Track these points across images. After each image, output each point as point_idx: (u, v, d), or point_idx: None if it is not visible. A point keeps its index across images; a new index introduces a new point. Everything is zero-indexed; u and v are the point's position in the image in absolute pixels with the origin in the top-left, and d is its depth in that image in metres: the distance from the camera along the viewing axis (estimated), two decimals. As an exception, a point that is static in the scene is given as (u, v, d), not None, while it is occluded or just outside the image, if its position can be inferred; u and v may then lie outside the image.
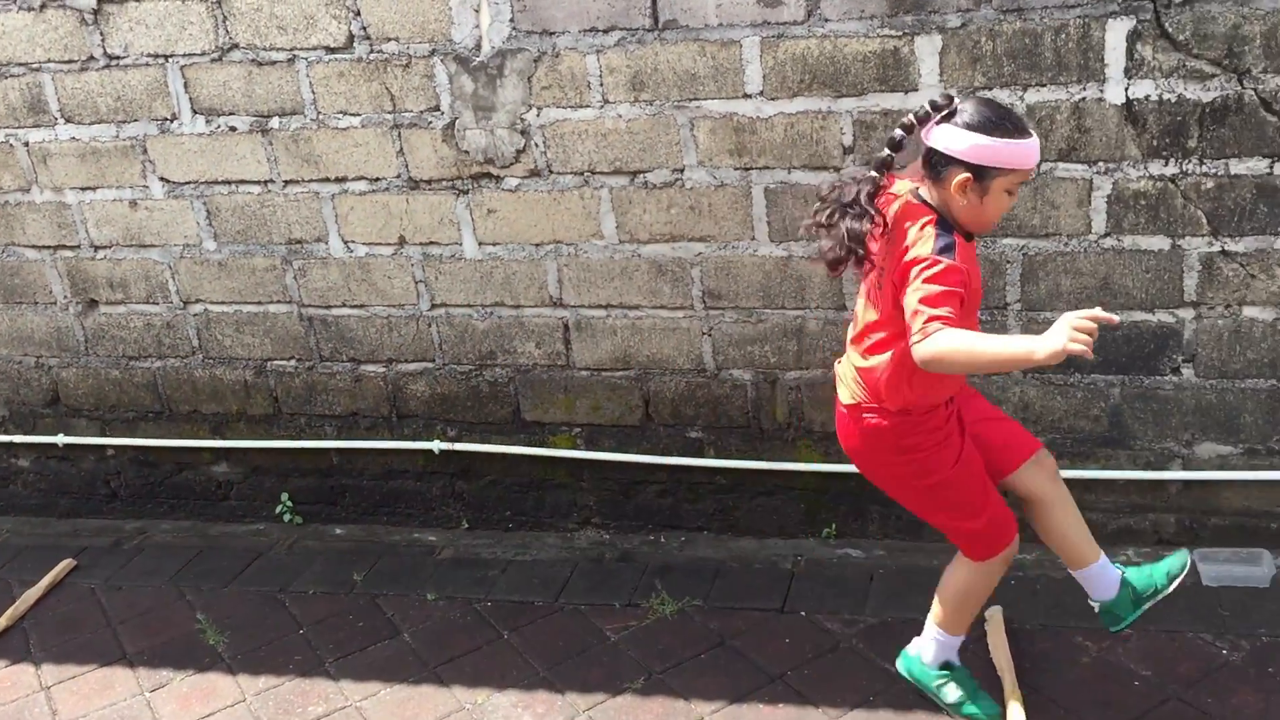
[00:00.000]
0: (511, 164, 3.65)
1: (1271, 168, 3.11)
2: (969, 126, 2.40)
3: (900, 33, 3.22)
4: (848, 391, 2.71)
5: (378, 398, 4.11)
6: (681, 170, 3.54)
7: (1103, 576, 2.87)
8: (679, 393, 3.82)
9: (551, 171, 3.63)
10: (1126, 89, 3.13)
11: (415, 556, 4.04)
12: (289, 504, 4.34)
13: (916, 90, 3.26)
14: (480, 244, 3.79)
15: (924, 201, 2.53)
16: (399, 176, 3.76)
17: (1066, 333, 2.16)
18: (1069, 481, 3.56)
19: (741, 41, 3.33)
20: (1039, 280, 3.38)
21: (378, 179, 3.78)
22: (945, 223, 2.47)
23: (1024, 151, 2.41)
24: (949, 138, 2.43)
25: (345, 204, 3.84)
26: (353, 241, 3.89)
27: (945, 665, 2.90)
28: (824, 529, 3.86)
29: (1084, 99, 3.16)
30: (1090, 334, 2.17)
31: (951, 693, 2.92)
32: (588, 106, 3.52)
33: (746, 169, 3.49)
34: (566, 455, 3.98)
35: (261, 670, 3.49)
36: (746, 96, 3.40)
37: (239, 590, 3.94)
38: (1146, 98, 3.12)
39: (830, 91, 3.33)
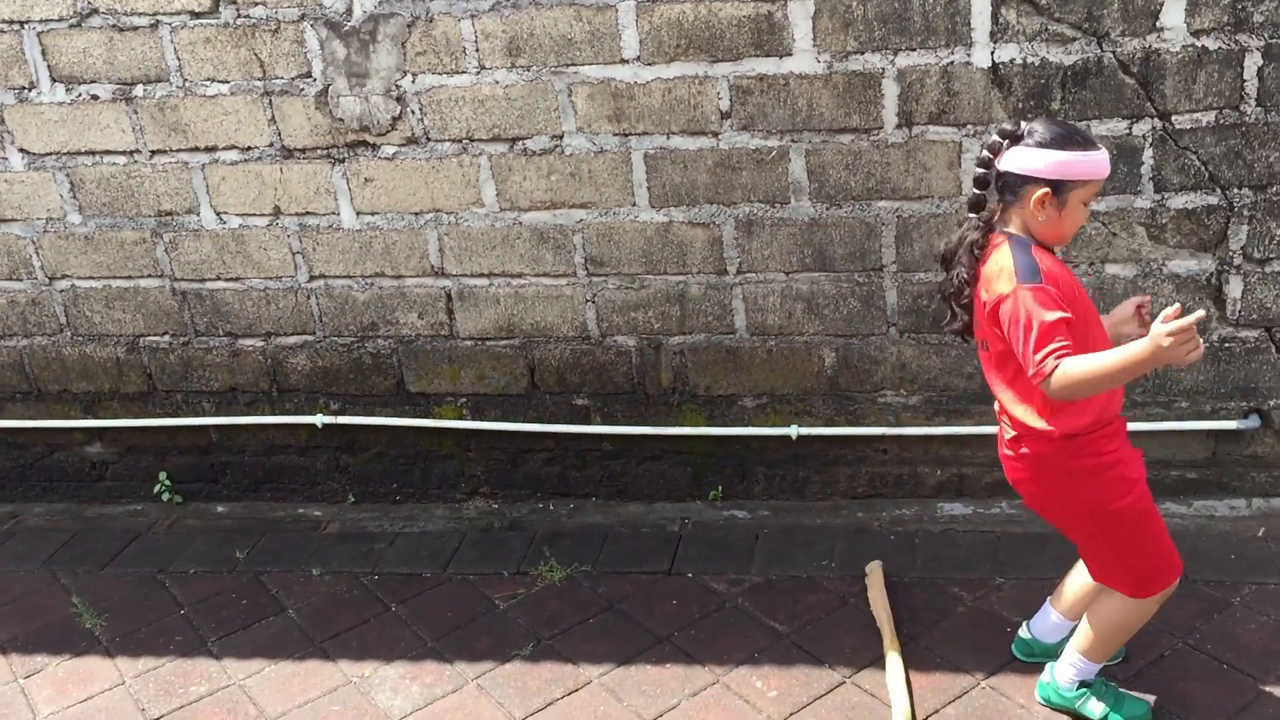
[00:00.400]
0: (388, 132, 3.59)
1: (1130, 128, 3.21)
2: (1043, 144, 2.43)
3: (773, -3, 3.24)
4: (1006, 428, 2.65)
5: (257, 372, 4.03)
6: (561, 137, 3.52)
7: (1061, 629, 2.93)
8: (564, 360, 3.82)
9: (429, 139, 3.58)
10: (992, 53, 3.20)
11: (300, 532, 3.98)
12: (167, 483, 4.24)
13: (791, 55, 3.29)
14: (358, 214, 3.73)
15: (1001, 231, 2.53)
16: (271, 145, 3.67)
17: (1161, 337, 2.20)
18: (945, 439, 3.68)
19: (617, 6, 3.32)
20: (913, 242, 3.45)
21: (249, 148, 3.69)
22: (1020, 240, 2.48)
23: (1097, 163, 2.44)
24: (1024, 158, 2.44)
25: (216, 174, 3.74)
26: (225, 213, 3.79)
27: (1082, 683, 2.81)
28: (710, 492, 3.91)
29: (952, 63, 3.23)
30: (1189, 335, 2.20)
31: (1096, 707, 2.76)
32: (464, 73, 3.48)
33: (625, 135, 3.48)
34: (452, 426, 3.95)
35: (141, 652, 3.41)
36: (624, 62, 3.39)
37: (117, 572, 3.84)
38: (1011, 61, 3.20)
39: (706, 56, 3.34)
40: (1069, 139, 2.44)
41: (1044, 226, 2.49)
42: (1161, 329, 2.20)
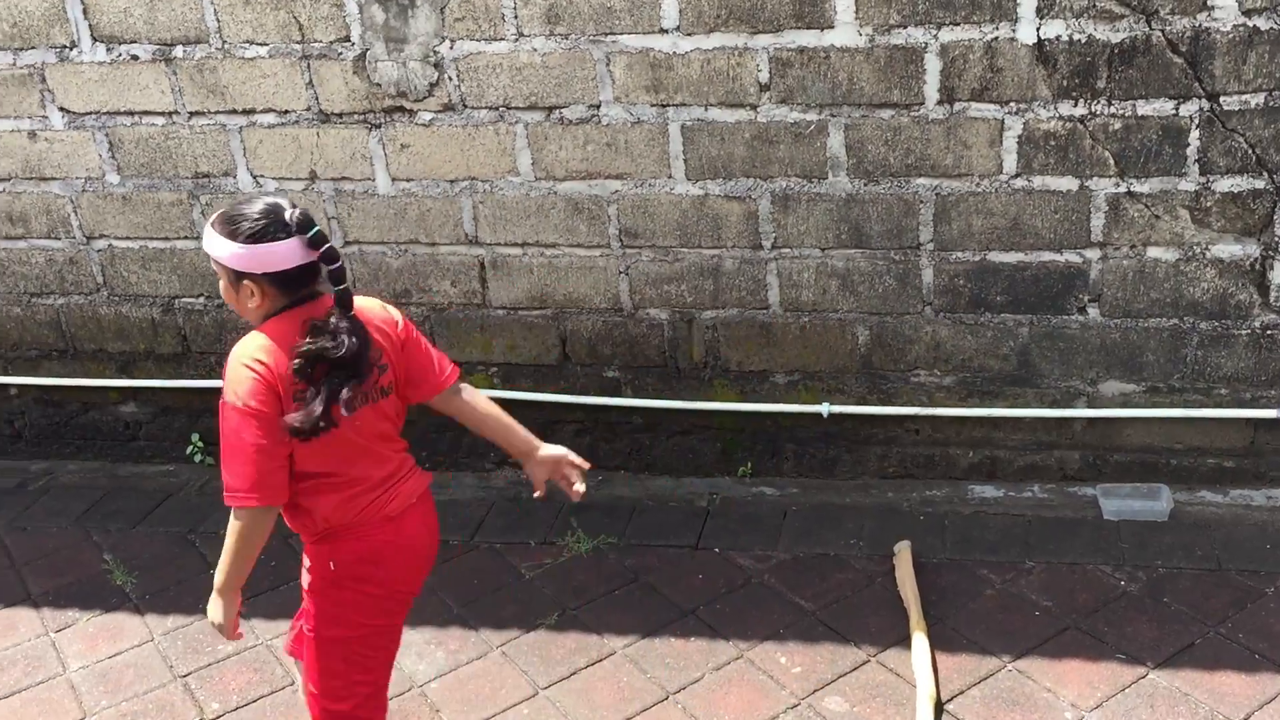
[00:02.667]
0: (425, 98, 3.58)
1: (1177, 109, 3.15)
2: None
3: (816, -32, 3.20)
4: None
5: (290, 336, 4.04)
6: (598, 106, 3.50)
7: None
8: (596, 332, 3.81)
9: (466, 106, 3.57)
10: (1038, 29, 3.15)
11: (330, 497, 4.00)
12: (200, 445, 4.27)
13: (832, 27, 3.25)
14: (393, 180, 3.72)
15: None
16: (309, 109, 3.67)
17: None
18: (978, 420, 3.65)
19: (658, -26, 3.29)
20: (951, 220, 3.41)
21: (287, 112, 3.69)
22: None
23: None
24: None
25: (254, 137, 3.75)
26: (262, 176, 3.80)
27: None
28: (739, 468, 3.89)
29: (997, 38, 3.18)
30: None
31: None
32: (502, 39, 3.46)
33: (663, 106, 3.46)
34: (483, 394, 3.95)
35: (171, 610, 3.44)
36: (663, 31, 3.36)
37: (148, 531, 3.88)
38: (1057, 38, 3.15)
39: (747, 27, 3.30)
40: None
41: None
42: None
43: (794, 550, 3.46)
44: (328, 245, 2.21)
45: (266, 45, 3.60)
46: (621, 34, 3.39)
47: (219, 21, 3.59)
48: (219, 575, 2.31)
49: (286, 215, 2.19)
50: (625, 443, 3.96)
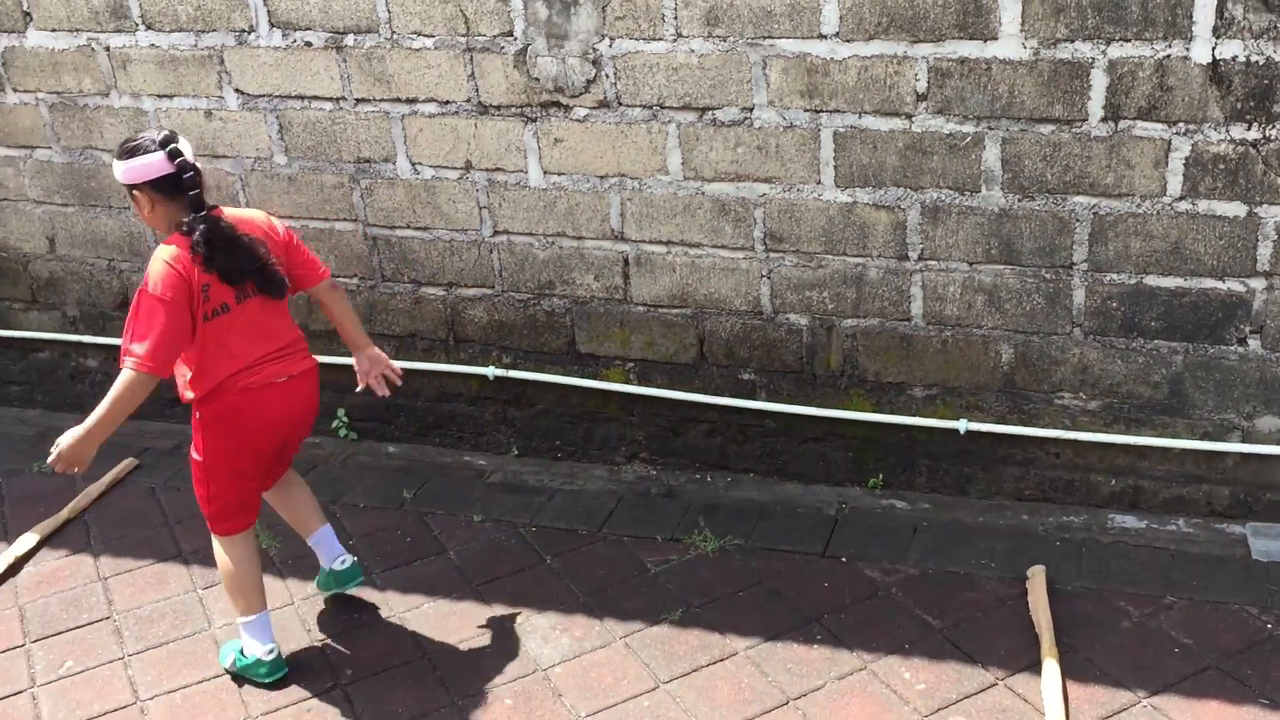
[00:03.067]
0: (581, 94, 3.65)
1: (1359, 137, 3.02)
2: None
3: (984, -22, 3.16)
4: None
5: (436, 320, 4.16)
6: (751, 109, 3.51)
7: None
8: (734, 334, 3.83)
9: (620, 103, 3.62)
10: (1213, 48, 3.04)
11: (464, 479, 4.11)
12: (345, 420, 4.42)
13: (996, 39, 3.20)
14: (545, 173, 3.80)
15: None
16: (469, 100, 3.77)
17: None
18: (1123, 448, 3.55)
19: (820, -20, 3.29)
20: (1108, 241, 3.32)
21: (448, 102, 3.80)
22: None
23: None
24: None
25: (414, 125, 3.87)
26: (420, 163, 3.92)
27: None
28: (870, 479, 3.86)
29: (1168, 56, 3.08)
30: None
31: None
32: (661, 39, 3.50)
33: (817, 111, 3.45)
34: (618, 389, 4.01)
35: (311, 576, 3.58)
36: (821, 37, 3.36)
37: (292, 499, 4.03)
38: (1234, 58, 3.04)
39: (907, 36, 3.28)
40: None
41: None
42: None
43: (923, 565, 3.42)
44: (180, 157, 2.88)
45: (433, 37, 3.71)
46: (780, 38, 3.39)
47: (389, 12, 3.72)
48: (93, 419, 2.86)
49: (154, 137, 2.90)
50: (756, 446, 3.97)
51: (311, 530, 3.37)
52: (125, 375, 2.84)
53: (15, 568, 3.74)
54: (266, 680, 3.12)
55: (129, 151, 2.90)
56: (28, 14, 4.15)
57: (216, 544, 3.14)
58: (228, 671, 3.20)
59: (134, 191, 2.93)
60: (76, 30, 4.11)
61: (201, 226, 2.86)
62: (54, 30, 4.14)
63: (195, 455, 3.10)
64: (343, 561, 3.39)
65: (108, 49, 4.10)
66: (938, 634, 3.13)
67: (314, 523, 3.37)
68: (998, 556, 3.44)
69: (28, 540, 3.84)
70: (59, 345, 4.72)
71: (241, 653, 3.16)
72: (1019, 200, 3.37)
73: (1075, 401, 3.55)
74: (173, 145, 2.88)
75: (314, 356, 3.20)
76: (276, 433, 3.09)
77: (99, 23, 4.06)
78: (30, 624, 3.48)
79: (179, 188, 2.89)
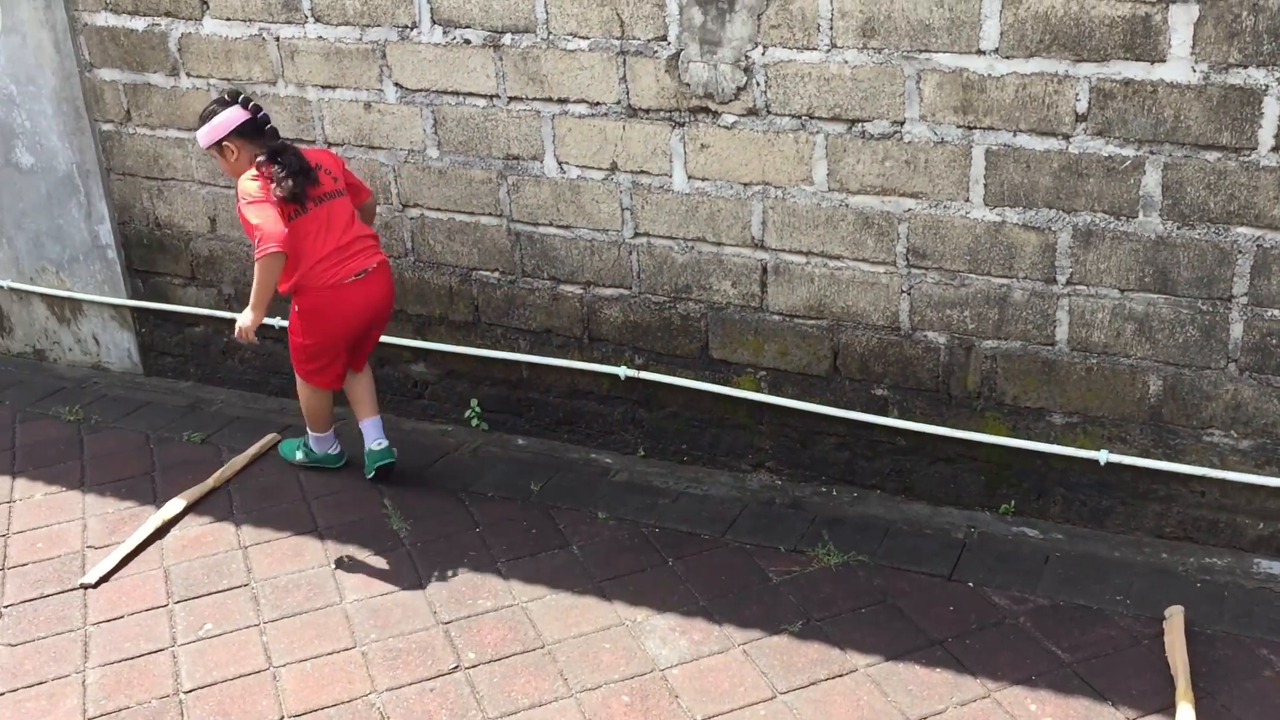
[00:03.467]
0: (730, 101, 3.66)
1: None
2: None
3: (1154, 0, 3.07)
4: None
5: (572, 318, 4.22)
6: (901, 123, 3.48)
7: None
8: (869, 348, 3.79)
9: (769, 112, 3.63)
10: (1401, 79, 2.91)
11: (590, 475, 4.15)
12: (478, 410, 4.52)
13: (1164, 61, 3.11)
14: (689, 178, 3.82)
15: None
16: (619, 103, 3.82)
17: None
18: (1274, 491, 3.41)
19: (983, -5, 3.24)
20: (1271, 274, 3.19)
21: (598, 103, 3.85)
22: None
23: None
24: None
25: (564, 125, 3.93)
26: (567, 163, 3.99)
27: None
28: (1002, 504, 3.78)
29: (1350, 85, 2.95)
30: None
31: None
32: (814, 49, 3.50)
33: (970, 128, 3.40)
34: (749, 397, 4.00)
35: (438, 560, 3.67)
36: (980, 53, 3.31)
37: (424, 484, 4.14)
38: None
39: (1070, 55, 3.21)
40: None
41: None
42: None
43: (1054, 597, 3.33)
44: (252, 103, 3.79)
45: (588, 39, 3.77)
46: (936, 52, 3.35)
47: (548, 14, 3.79)
48: (253, 299, 3.73)
49: (224, 96, 3.81)
50: (885, 463, 3.92)
51: (364, 417, 4.11)
52: (262, 262, 3.65)
53: (162, 530, 3.93)
54: (336, 465, 4.22)
55: (209, 115, 3.77)
56: (205, 3, 4.35)
57: (302, 384, 4.04)
58: (296, 464, 4.23)
59: (223, 144, 3.76)
60: (250, 20, 4.29)
61: (278, 154, 3.73)
62: (229, 19, 4.33)
63: (294, 337, 3.94)
64: (379, 443, 4.07)
65: (277, 39, 4.27)
66: (1066, 668, 3.05)
67: (367, 411, 4.10)
68: (1134, 593, 3.33)
69: (175, 505, 4.02)
70: (213, 321, 4.93)
71: (310, 449, 4.21)
72: (1178, 228, 3.26)
73: (1225, 440, 3.42)
74: (243, 95, 3.79)
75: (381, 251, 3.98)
76: (360, 320, 3.90)
77: (271, 14, 4.24)
78: (174, 585, 3.64)
79: (258, 129, 3.76)
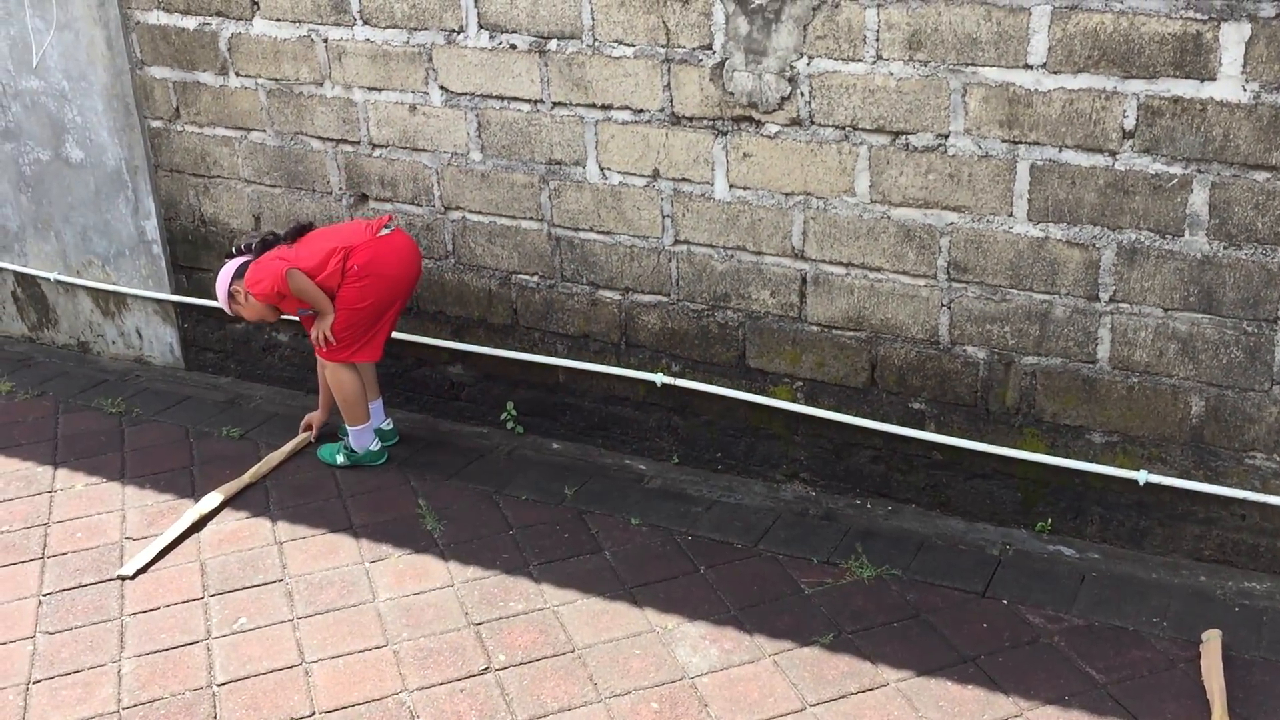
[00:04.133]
0: (774, 110, 3.66)
1: None
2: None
3: (1206, 17, 3.04)
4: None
5: (610, 324, 4.23)
6: (946, 136, 3.46)
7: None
8: (907, 361, 3.77)
9: (813, 123, 3.62)
10: None
11: (624, 481, 4.16)
12: (513, 413, 4.54)
13: (1214, 80, 3.08)
14: (731, 186, 3.82)
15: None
16: (662, 110, 3.83)
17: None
18: (1317, 515, 3.35)
19: (1031, 9, 3.22)
20: (1319, 297, 3.16)
21: (641, 110, 3.86)
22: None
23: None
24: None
25: (607, 131, 3.95)
26: (609, 169, 4.00)
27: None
28: (1038, 522, 3.75)
29: (1405, 107, 2.91)
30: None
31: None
32: (859, 61, 3.49)
33: (1015, 142, 3.38)
34: (785, 407, 4.00)
35: (471, 561, 3.69)
36: (1027, 67, 3.29)
37: (458, 485, 4.16)
38: None
39: (1119, 71, 3.18)
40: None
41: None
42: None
43: (1089, 617, 3.30)
44: (237, 244, 4.22)
45: (633, 46, 3.78)
46: (982, 66, 3.34)
47: (594, 20, 3.81)
48: (314, 305, 4.07)
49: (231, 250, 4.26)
50: (921, 477, 3.90)
51: (372, 398, 4.35)
52: (291, 284, 4.02)
53: (199, 524, 3.97)
54: (379, 462, 4.30)
55: (237, 274, 4.14)
56: (255, 3, 4.40)
57: (334, 368, 4.16)
58: (340, 466, 4.28)
59: (233, 290, 4.14)
60: (299, 21, 4.34)
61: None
62: (278, 20, 4.38)
63: (344, 310, 4.07)
64: (388, 423, 4.44)
65: (326, 40, 4.32)
66: (1100, 689, 3.02)
67: (372, 392, 4.35)
68: (1170, 616, 3.30)
69: (212, 500, 4.06)
70: (254, 318, 4.97)
71: (351, 450, 4.28)
72: (1224, 248, 3.23)
73: (1268, 463, 3.37)
74: (234, 249, 4.21)
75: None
76: (405, 271, 4.14)
77: (320, 15, 4.28)
78: (210, 579, 3.68)
79: (256, 255, 4.15)
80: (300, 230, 4.17)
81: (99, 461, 4.42)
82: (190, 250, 5.01)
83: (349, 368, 4.18)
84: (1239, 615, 3.29)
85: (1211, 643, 3.12)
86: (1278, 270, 3.19)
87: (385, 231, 4.10)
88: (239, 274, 4.09)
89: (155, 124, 4.85)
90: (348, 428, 4.27)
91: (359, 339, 4.14)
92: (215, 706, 3.13)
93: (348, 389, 4.19)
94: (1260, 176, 3.13)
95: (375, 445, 4.31)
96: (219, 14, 4.49)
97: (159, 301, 5.15)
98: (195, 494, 4.15)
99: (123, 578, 3.70)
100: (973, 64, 3.35)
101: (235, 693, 3.18)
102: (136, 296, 5.18)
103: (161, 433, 4.63)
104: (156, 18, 4.64)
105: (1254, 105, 3.07)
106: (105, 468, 4.37)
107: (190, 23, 4.57)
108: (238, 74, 4.57)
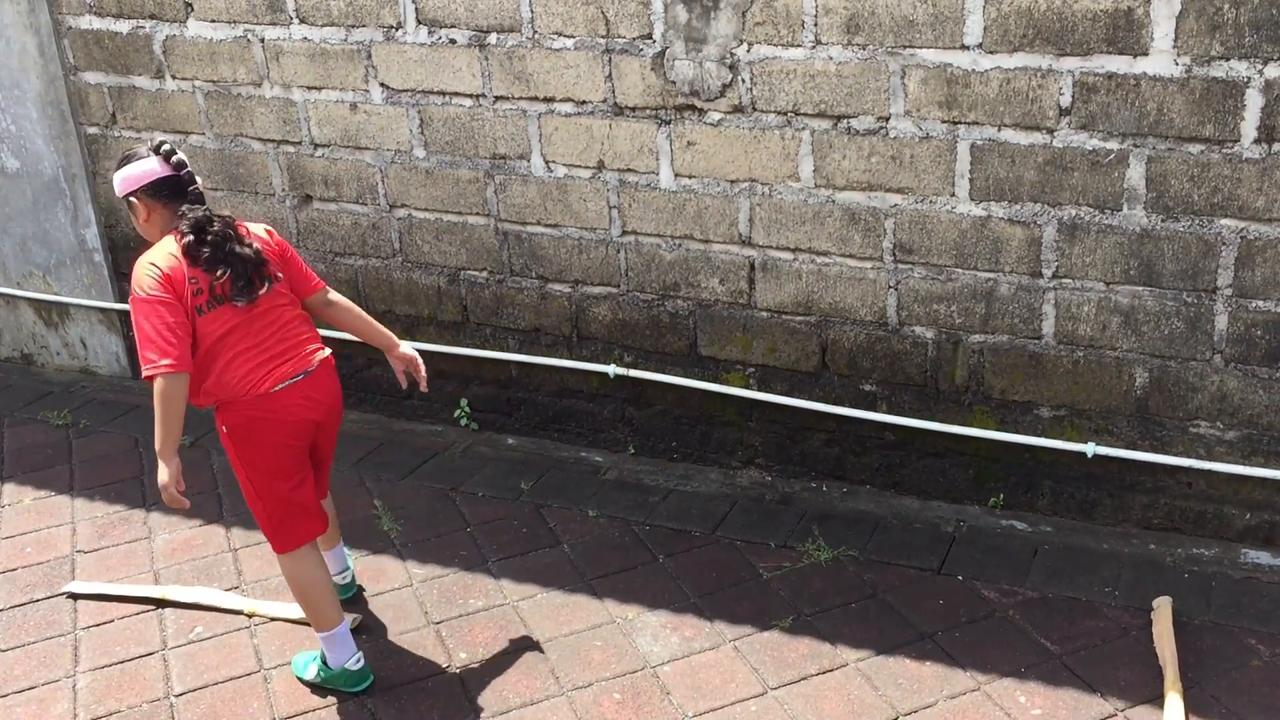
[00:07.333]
0: (716, 98, 3.67)
1: None
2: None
3: (1137, -8, 3.08)
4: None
5: (561, 317, 4.22)
6: (886, 119, 3.49)
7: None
8: (857, 344, 3.80)
9: (755, 109, 3.63)
10: (1381, 70, 2.92)
11: (581, 474, 4.16)
12: (467, 410, 4.52)
13: (1146, 54, 3.13)
14: (676, 175, 3.83)
15: None
16: (605, 101, 3.82)
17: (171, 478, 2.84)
18: (1261, 481, 3.43)
19: (966, -10, 3.25)
20: (1255, 266, 3.21)
21: (584, 102, 3.85)
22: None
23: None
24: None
25: (550, 124, 3.93)
26: (554, 162, 3.99)
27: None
28: (991, 498, 3.79)
29: (1331, 77, 2.97)
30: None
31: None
32: (799, 46, 3.50)
33: (954, 123, 3.41)
34: (738, 394, 4.01)
35: (429, 559, 3.67)
36: (964, 48, 3.32)
37: (414, 484, 4.14)
38: (1403, 81, 2.91)
39: (1053, 49, 3.22)
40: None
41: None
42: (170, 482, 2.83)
43: (1043, 589, 3.35)
44: (175, 157, 2.93)
45: (573, 38, 3.77)
46: (920, 48, 3.37)
47: (533, 13, 3.79)
48: (156, 442, 2.86)
49: (147, 146, 2.96)
50: (874, 458, 3.94)
51: (326, 548, 3.36)
52: (156, 386, 2.81)
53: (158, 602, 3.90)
54: (355, 690, 3.10)
55: (125, 160, 2.95)
56: (189, 5, 4.34)
57: (283, 564, 3.08)
58: (310, 683, 3.16)
59: (130, 199, 2.94)
60: (234, 22, 4.28)
61: (194, 216, 2.88)
62: (213, 21, 4.32)
63: (238, 474, 3.05)
64: (343, 577, 3.47)
65: (262, 40, 4.27)
66: (1055, 660, 3.06)
67: (329, 542, 3.38)
68: (1122, 585, 3.35)
69: (179, 592, 3.95)
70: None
71: (325, 664, 3.12)
72: (1162, 221, 3.28)
73: (1212, 431, 3.43)
74: (166, 148, 2.93)
75: (326, 347, 3.12)
76: (305, 432, 3.03)
77: (255, 15, 4.23)
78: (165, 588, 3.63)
79: (179, 189, 2.92)
80: (200, 229, 2.90)
81: (47, 475, 4.35)
82: (133, 258, 4.92)
83: (307, 554, 3.08)
84: (1188, 582, 3.34)
85: (1162, 610, 3.17)
86: (1214, 241, 3.24)
87: (286, 385, 2.96)
88: (155, 191, 2.93)
89: (91, 130, 4.77)
90: (318, 635, 3.14)
91: (276, 508, 3.03)
92: (174, 717, 3.10)
93: (298, 581, 3.09)
94: (1194, 149, 3.18)
95: (356, 661, 3.12)
96: (152, 17, 4.43)
97: (103, 310, 5.08)
98: (146, 504, 4.10)
99: (73, 596, 3.64)
100: (910, 46, 3.38)
101: (194, 703, 3.14)
102: (79, 306, 5.10)
103: (110, 443, 4.56)
104: (89, 22, 4.57)
105: (1186, 79, 3.12)
106: (54, 481, 4.30)
107: (123, 26, 4.51)
108: (174, 77, 4.50)
